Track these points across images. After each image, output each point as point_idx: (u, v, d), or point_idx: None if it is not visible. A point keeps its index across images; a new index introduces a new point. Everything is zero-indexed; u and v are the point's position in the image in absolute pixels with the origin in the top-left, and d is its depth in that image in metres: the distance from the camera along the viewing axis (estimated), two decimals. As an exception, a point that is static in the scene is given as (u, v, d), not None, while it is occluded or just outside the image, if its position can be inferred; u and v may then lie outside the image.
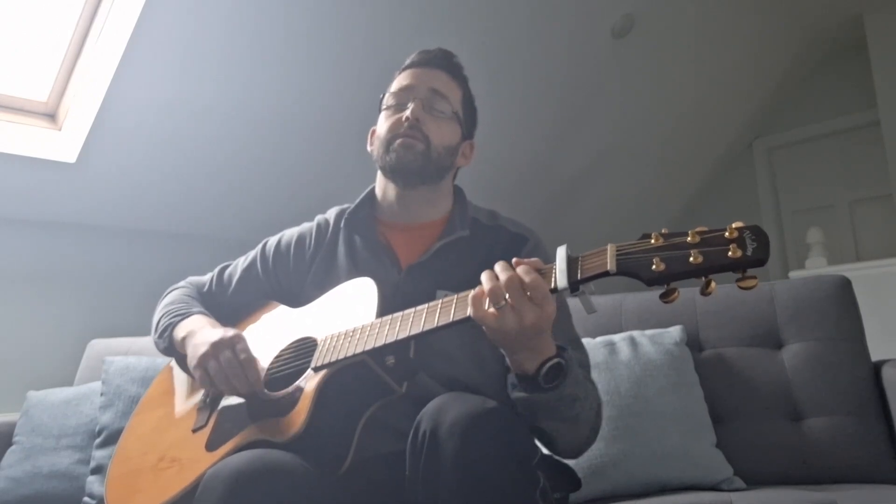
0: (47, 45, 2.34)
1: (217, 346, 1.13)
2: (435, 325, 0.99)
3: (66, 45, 2.33)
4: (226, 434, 1.12)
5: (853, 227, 4.49)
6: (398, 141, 1.25)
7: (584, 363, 1.20)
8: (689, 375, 1.58)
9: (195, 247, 2.78)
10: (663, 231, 0.87)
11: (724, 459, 1.50)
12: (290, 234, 1.38)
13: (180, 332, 1.25)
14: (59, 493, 1.74)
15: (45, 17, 2.31)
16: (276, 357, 1.20)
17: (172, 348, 1.29)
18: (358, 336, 1.06)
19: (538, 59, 3.20)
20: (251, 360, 1.13)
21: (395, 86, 1.31)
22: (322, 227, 1.36)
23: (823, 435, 1.52)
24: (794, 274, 3.76)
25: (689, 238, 0.85)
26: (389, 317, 1.05)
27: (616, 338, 1.65)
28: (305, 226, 1.38)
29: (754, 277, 0.82)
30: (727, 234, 0.83)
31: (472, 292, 0.98)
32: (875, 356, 1.62)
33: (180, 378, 1.34)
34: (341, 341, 1.08)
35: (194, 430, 1.18)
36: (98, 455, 1.76)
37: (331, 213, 1.38)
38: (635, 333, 1.65)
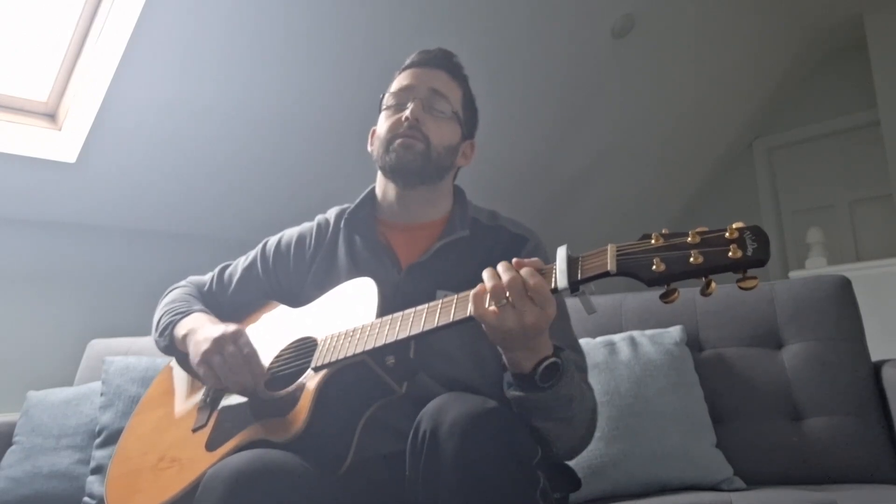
0: (47, 45, 2.34)
1: (219, 342, 1.13)
2: (435, 325, 0.99)
3: (66, 45, 2.33)
4: (226, 434, 1.12)
5: (853, 227, 4.49)
6: (398, 141, 1.25)
7: (581, 366, 1.20)
8: (689, 375, 1.58)
9: (195, 247, 2.78)
10: (663, 231, 0.87)
11: (724, 459, 1.50)
12: (291, 233, 1.38)
13: (181, 329, 1.26)
14: (59, 493, 1.74)
15: (45, 17, 2.31)
16: (277, 357, 1.20)
17: (173, 346, 1.29)
18: (358, 336, 1.06)
19: (538, 59, 3.20)
20: (254, 354, 1.14)
21: (395, 86, 1.32)
22: (322, 227, 1.36)
23: (823, 435, 1.52)
24: (794, 274, 3.76)
25: (689, 238, 0.85)
26: (389, 317, 1.05)
27: (616, 338, 1.65)
28: (306, 226, 1.38)
29: (755, 278, 0.82)
30: (727, 234, 0.83)
31: (473, 291, 0.98)
32: (875, 356, 1.62)
33: (180, 378, 1.34)
34: (341, 341, 1.08)
35: (194, 430, 1.18)
36: (98, 455, 1.76)
37: (331, 213, 1.38)
38: (635, 333, 1.65)
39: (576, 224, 4.11)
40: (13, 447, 1.83)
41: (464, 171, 1.38)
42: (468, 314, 0.97)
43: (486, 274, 0.97)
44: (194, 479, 1.07)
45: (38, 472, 1.76)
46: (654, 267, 0.84)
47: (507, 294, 0.93)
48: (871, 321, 1.80)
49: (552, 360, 0.99)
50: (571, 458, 1.16)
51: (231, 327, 1.15)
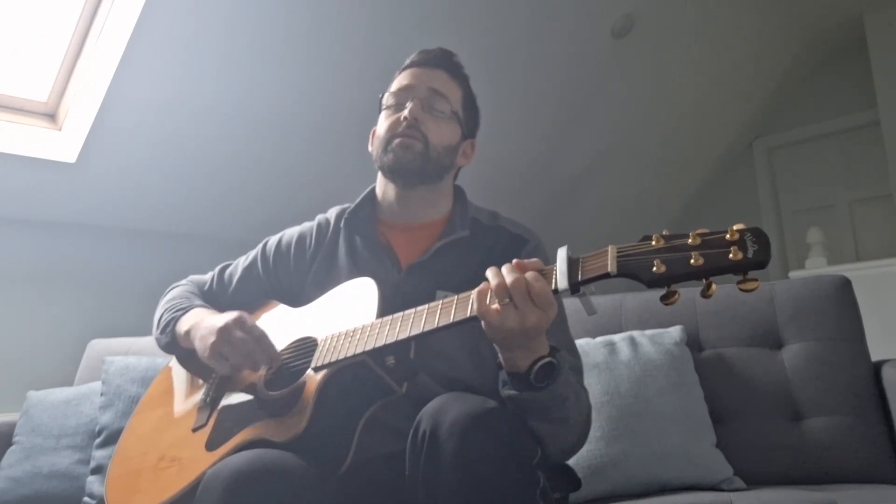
0: (47, 45, 2.34)
1: (225, 331, 1.14)
2: (435, 325, 0.99)
3: (66, 45, 2.33)
4: (226, 433, 1.12)
5: (853, 227, 4.49)
6: (396, 141, 1.25)
7: (577, 368, 1.20)
8: (689, 375, 1.58)
9: (195, 247, 2.78)
10: (664, 233, 0.87)
11: (724, 459, 1.50)
12: (291, 233, 1.38)
13: (183, 326, 1.27)
14: (59, 493, 1.74)
15: (45, 17, 2.31)
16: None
17: (175, 343, 1.30)
18: (358, 336, 1.06)
19: (538, 59, 3.20)
20: (263, 334, 1.15)
21: (394, 86, 1.32)
22: (322, 227, 1.36)
23: (823, 435, 1.52)
24: (794, 274, 3.76)
25: (689, 240, 0.85)
26: (390, 317, 1.05)
27: (616, 338, 1.65)
28: (306, 225, 1.38)
29: (755, 280, 0.82)
30: (728, 236, 0.83)
31: (473, 292, 0.98)
32: (875, 356, 1.62)
33: (180, 377, 1.34)
34: (341, 341, 1.08)
35: (194, 430, 1.18)
36: (98, 455, 1.76)
37: (331, 213, 1.38)
38: (635, 333, 1.66)
39: (576, 224, 4.11)
40: (13, 447, 1.83)
41: (464, 171, 1.38)
42: (468, 315, 0.97)
43: (490, 272, 0.97)
44: (194, 478, 1.07)
45: (38, 472, 1.76)
46: (654, 268, 0.84)
47: (511, 295, 0.93)
48: (871, 321, 1.80)
49: (548, 359, 0.99)
50: (565, 459, 1.16)
51: (232, 314, 1.17)
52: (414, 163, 1.24)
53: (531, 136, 3.55)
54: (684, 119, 4.17)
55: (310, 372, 1.10)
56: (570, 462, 1.21)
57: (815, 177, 4.64)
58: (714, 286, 0.84)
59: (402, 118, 1.25)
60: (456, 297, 1.00)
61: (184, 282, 1.43)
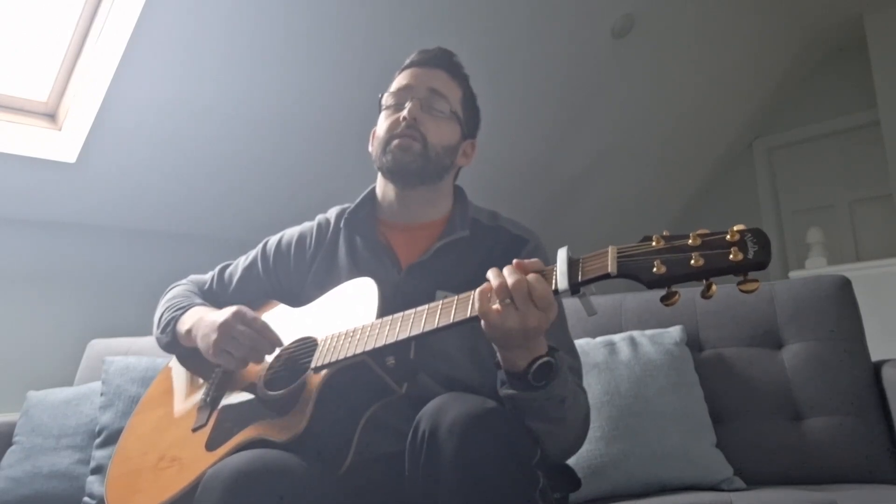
0: (47, 45, 2.34)
1: (226, 326, 1.15)
2: (435, 325, 0.99)
3: (66, 45, 2.33)
4: (226, 433, 1.12)
5: (853, 227, 4.49)
6: (395, 142, 1.25)
7: (576, 369, 1.20)
8: (689, 375, 1.58)
9: (195, 247, 2.78)
10: (664, 233, 0.87)
11: (724, 459, 1.50)
12: (291, 233, 1.38)
13: (183, 325, 1.27)
14: (59, 493, 1.74)
15: (45, 17, 2.31)
16: (277, 356, 1.20)
17: (176, 342, 1.30)
18: (358, 336, 1.06)
19: (538, 59, 3.20)
20: (264, 324, 1.17)
21: (394, 86, 1.32)
22: (323, 227, 1.36)
23: (823, 435, 1.52)
24: (794, 274, 3.76)
25: (690, 241, 0.85)
26: (390, 317, 1.05)
27: (616, 338, 1.65)
28: (306, 225, 1.38)
29: (756, 281, 0.82)
30: (728, 236, 0.83)
31: (473, 292, 0.98)
32: (875, 356, 1.62)
33: (180, 377, 1.34)
34: (341, 341, 1.08)
35: (194, 430, 1.19)
36: (98, 455, 1.76)
37: (331, 213, 1.38)
38: (635, 333, 1.66)
39: (576, 224, 4.11)
40: (13, 447, 1.83)
41: (464, 171, 1.38)
42: (468, 315, 0.97)
43: (491, 273, 0.97)
44: (194, 478, 1.07)
45: (38, 472, 1.76)
46: (654, 269, 0.84)
47: (511, 296, 0.93)
48: (871, 321, 1.80)
49: (546, 359, 0.99)
50: (563, 460, 1.16)
51: (231, 309, 1.17)
52: (413, 164, 1.24)
53: (531, 136, 3.55)
54: (684, 119, 4.17)
55: (310, 372, 1.10)
56: (570, 462, 1.21)
57: (815, 177, 4.64)
58: (714, 287, 0.84)
59: (401, 118, 1.25)
60: (456, 297, 1.00)
61: (184, 281, 1.43)
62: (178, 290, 1.39)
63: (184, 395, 1.30)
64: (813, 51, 4.45)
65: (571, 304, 1.17)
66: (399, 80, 1.31)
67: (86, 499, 1.72)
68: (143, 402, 1.37)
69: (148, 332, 1.46)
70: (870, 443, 1.50)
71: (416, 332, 1.01)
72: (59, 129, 2.36)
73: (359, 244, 1.30)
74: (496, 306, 0.94)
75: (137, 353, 1.99)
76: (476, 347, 1.17)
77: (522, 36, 3.05)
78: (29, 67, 2.36)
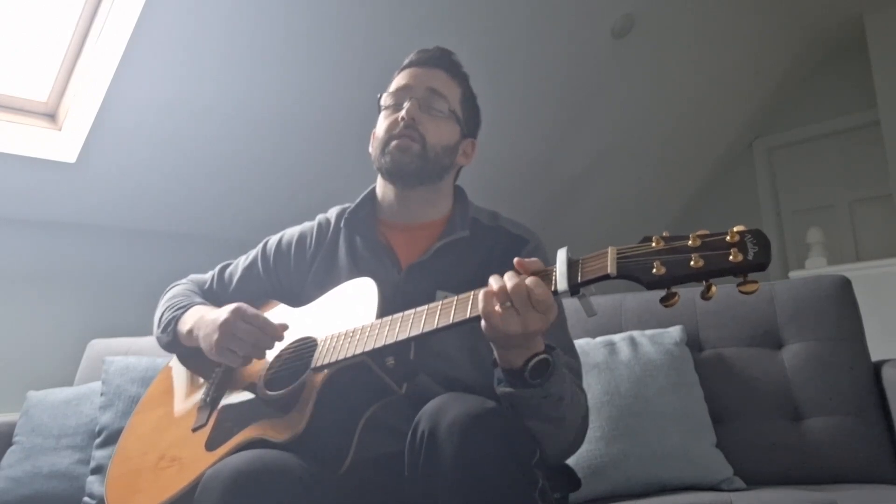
0: (47, 45, 2.34)
1: (228, 325, 1.15)
2: (435, 326, 0.99)
3: (66, 45, 2.33)
4: (226, 433, 1.12)
5: (853, 227, 4.49)
6: (393, 143, 1.25)
7: (575, 369, 1.19)
8: (689, 375, 1.58)
9: (195, 247, 2.78)
10: (664, 234, 0.87)
11: (724, 459, 1.50)
12: (291, 233, 1.38)
13: (184, 325, 1.27)
14: (59, 493, 1.74)
15: (45, 17, 2.31)
16: (277, 356, 1.20)
17: (177, 342, 1.30)
18: (358, 336, 1.06)
19: (538, 59, 3.20)
20: (265, 320, 1.16)
21: (392, 86, 1.31)
22: (323, 227, 1.36)
23: (823, 435, 1.52)
24: (794, 274, 3.76)
25: (689, 242, 0.85)
26: (389, 318, 1.05)
27: (616, 338, 1.65)
28: (306, 225, 1.38)
29: (755, 282, 0.82)
30: (728, 237, 0.83)
31: (473, 293, 0.98)
32: (875, 356, 1.62)
33: (180, 377, 1.34)
34: (341, 342, 1.08)
35: (194, 430, 1.19)
36: (98, 455, 1.76)
37: (332, 213, 1.38)
38: (635, 333, 1.66)
39: (576, 224, 4.11)
40: (13, 447, 1.83)
41: (464, 170, 1.38)
42: (468, 315, 0.97)
43: (492, 279, 0.97)
44: (194, 478, 1.07)
45: (38, 472, 1.76)
46: (654, 270, 0.84)
47: (511, 299, 0.94)
48: (871, 321, 1.80)
49: (543, 356, 0.99)
50: (561, 460, 1.16)
51: (231, 306, 1.17)
52: (411, 164, 1.24)
53: (531, 136, 3.55)
54: (684, 119, 4.17)
55: (310, 372, 1.10)
56: (570, 462, 1.21)
57: (815, 177, 4.64)
58: (714, 288, 0.84)
59: (399, 118, 1.25)
60: (456, 297, 1.00)
61: (184, 281, 1.43)
62: (178, 290, 1.39)
63: (184, 394, 1.30)
64: (813, 51, 4.45)
65: (571, 304, 1.17)
66: (398, 81, 1.31)
67: (86, 499, 1.72)
68: (143, 402, 1.37)
69: (148, 332, 1.46)
70: (870, 443, 1.50)
71: (415, 332, 1.01)
72: (59, 129, 2.36)
73: (359, 244, 1.30)
74: (498, 308, 0.95)
75: (137, 353, 1.99)
76: (476, 348, 1.17)
77: (522, 36, 3.05)
78: (29, 67, 2.36)
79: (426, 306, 1.02)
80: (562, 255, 0.94)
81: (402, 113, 1.25)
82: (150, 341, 1.44)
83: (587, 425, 1.16)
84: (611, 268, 0.87)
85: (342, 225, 1.34)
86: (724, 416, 1.59)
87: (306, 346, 1.16)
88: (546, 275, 0.95)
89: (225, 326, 1.15)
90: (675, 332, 1.64)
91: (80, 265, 2.55)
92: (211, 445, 1.13)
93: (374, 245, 1.29)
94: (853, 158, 4.49)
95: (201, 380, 1.29)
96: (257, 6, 2.34)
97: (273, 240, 1.39)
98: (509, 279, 0.95)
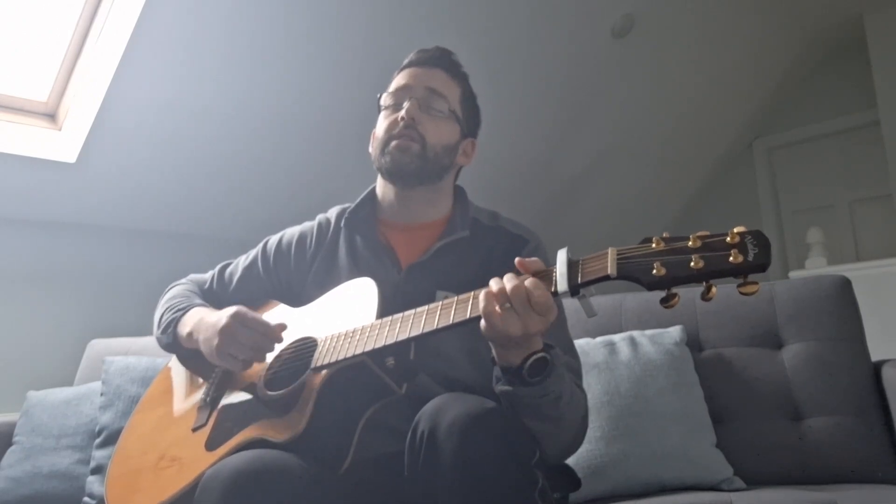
0: (47, 45, 2.34)
1: (228, 330, 1.15)
2: (435, 326, 0.99)
3: (66, 45, 2.33)
4: (226, 433, 1.12)
5: (853, 227, 4.49)
6: (393, 143, 1.25)
7: (575, 369, 1.19)
8: (689, 375, 1.58)
9: (195, 247, 2.78)
10: (664, 235, 0.87)
11: (724, 459, 1.50)
12: (292, 232, 1.38)
13: (184, 328, 1.26)
14: (59, 493, 1.74)
15: (45, 17, 2.31)
16: (277, 356, 1.20)
17: (177, 343, 1.30)
18: (358, 337, 1.06)
19: (538, 59, 3.20)
20: (265, 324, 1.16)
21: (392, 86, 1.31)
22: (323, 227, 1.36)
23: (823, 435, 1.52)
24: (794, 274, 3.76)
25: (690, 243, 0.85)
26: (389, 318, 1.05)
27: (616, 338, 1.65)
28: (307, 225, 1.38)
29: (756, 283, 0.82)
30: (728, 238, 0.83)
31: (473, 293, 0.98)
32: (875, 356, 1.63)
33: (180, 377, 1.34)
34: (341, 342, 1.08)
35: (194, 429, 1.19)
36: (98, 455, 1.76)
37: (332, 213, 1.38)
38: (635, 333, 1.66)
39: (576, 224, 4.11)
40: (13, 447, 1.83)
41: (464, 170, 1.38)
42: (468, 316, 0.97)
43: (492, 281, 0.97)
44: (194, 478, 1.07)
45: (38, 472, 1.76)
46: (654, 271, 0.84)
47: (511, 301, 0.94)
48: (871, 321, 1.80)
49: (541, 354, 0.99)
50: (560, 460, 1.16)
51: (230, 310, 1.17)
52: (411, 164, 1.24)
53: (531, 136, 3.55)
54: (684, 119, 4.17)
55: (310, 372, 1.10)
56: (570, 462, 1.21)
57: (815, 177, 4.64)
58: (714, 289, 0.84)
59: (399, 118, 1.25)
60: (456, 298, 1.00)
61: (183, 281, 1.43)
62: (177, 290, 1.38)
63: (184, 394, 1.30)
64: (813, 51, 4.45)
65: (571, 304, 1.17)
66: (397, 80, 1.31)
67: (86, 499, 1.72)
68: (143, 402, 1.37)
69: (148, 332, 1.46)
70: (870, 443, 1.50)
71: (415, 332, 1.01)
72: (59, 129, 2.36)
73: (359, 244, 1.30)
74: (499, 308, 0.95)
75: (137, 353, 1.99)
76: (476, 348, 1.17)
77: (522, 36, 3.05)
78: (29, 67, 2.36)
79: (426, 307, 1.02)
80: (562, 256, 0.94)
81: (402, 113, 1.25)
82: (150, 341, 1.44)
83: (587, 425, 1.16)
84: (611, 269, 0.87)
85: (342, 225, 1.34)
86: (724, 416, 1.59)
87: (306, 347, 1.16)
88: (546, 275, 0.95)
89: (225, 331, 1.15)
90: (675, 332, 1.64)
91: (80, 265, 2.55)
92: (211, 445, 1.13)
93: (375, 245, 1.29)
94: (853, 158, 4.49)
95: (201, 380, 1.29)
96: (257, 6, 2.34)
97: (273, 239, 1.39)
98: (508, 281, 0.95)
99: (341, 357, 1.06)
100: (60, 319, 2.49)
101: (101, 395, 1.84)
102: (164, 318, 1.32)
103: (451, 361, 1.17)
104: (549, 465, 1.12)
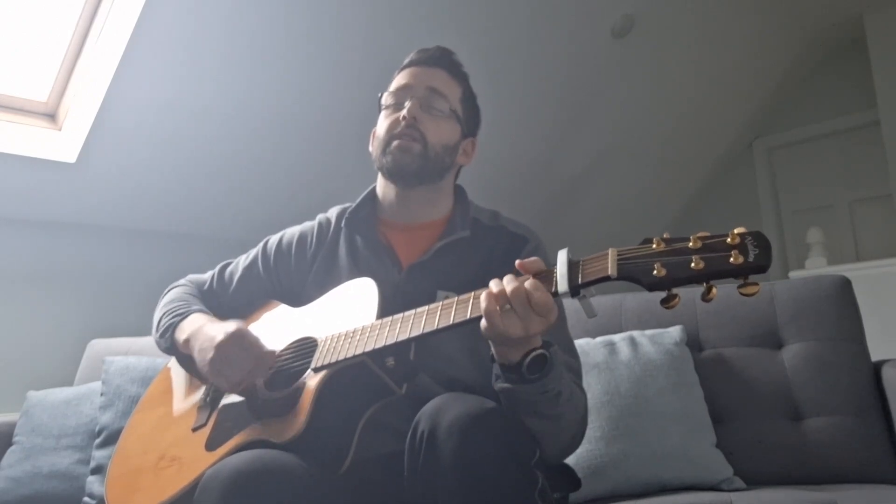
0: (47, 45, 2.34)
1: (223, 347, 1.12)
2: (435, 326, 0.99)
3: (66, 45, 2.33)
4: (226, 433, 1.12)
5: (853, 227, 4.49)
6: (394, 143, 1.25)
7: (575, 369, 1.19)
8: (689, 375, 1.58)
9: (195, 247, 2.78)
10: (665, 236, 0.87)
11: (724, 459, 1.50)
12: (292, 232, 1.38)
13: (181, 334, 1.25)
14: (59, 493, 1.74)
15: (45, 17, 2.31)
16: (277, 356, 1.20)
17: (175, 348, 1.29)
18: (358, 337, 1.06)
19: (538, 59, 3.20)
20: (262, 351, 1.14)
21: (393, 85, 1.31)
22: (323, 227, 1.36)
23: (823, 435, 1.52)
24: (794, 274, 3.77)
25: (690, 243, 0.85)
26: (390, 318, 1.05)
27: (616, 338, 1.65)
28: (307, 225, 1.38)
29: (756, 284, 0.82)
30: (729, 239, 0.83)
31: (474, 294, 0.98)
32: (875, 356, 1.63)
33: (180, 377, 1.34)
34: (342, 342, 1.08)
35: (194, 429, 1.19)
36: (98, 455, 1.76)
37: (332, 213, 1.38)
38: (635, 333, 1.66)
39: (576, 224, 4.11)
40: (13, 447, 1.83)
41: (464, 170, 1.38)
42: (468, 316, 0.97)
43: (492, 283, 0.97)
44: (194, 478, 1.07)
45: (38, 472, 1.76)
46: (654, 272, 0.84)
47: (511, 302, 0.94)
48: (871, 321, 1.80)
49: (540, 351, 0.99)
50: (559, 460, 1.16)
51: (231, 327, 1.15)
52: (413, 164, 1.24)
53: (531, 136, 3.55)
54: (684, 119, 4.17)
55: (310, 372, 1.10)
56: (570, 462, 1.22)
57: (815, 177, 4.64)
58: (714, 290, 0.84)
59: (400, 118, 1.25)
60: (456, 298, 1.00)
61: (182, 282, 1.42)
62: (176, 294, 1.37)
63: (184, 394, 1.30)
64: (813, 51, 4.45)
65: (571, 304, 1.17)
66: (398, 80, 1.31)
67: (86, 499, 1.72)
68: (143, 402, 1.37)
69: (148, 332, 1.46)
70: (870, 443, 1.51)
71: (415, 333, 1.01)
72: (59, 129, 2.36)
73: (359, 244, 1.30)
74: (499, 309, 0.95)
75: (137, 353, 1.99)
76: (476, 348, 1.17)
77: (522, 36, 3.05)
78: (29, 67, 2.36)
79: (426, 307, 1.02)
80: (562, 257, 0.94)
81: (404, 112, 1.25)
82: (149, 341, 1.44)
83: (586, 425, 1.16)
84: (611, 269, 0.87)
85: (343, 225, 1.33)
86: (724, 416, 1.59)
87: (306, 347, 1.16)
88: (547, 276, 0.95)
89: (221, 347, 1.12)
90: (675, 333, 1.64)
91: (80, 265, 2.55)
92: (211, 445, 1.13)
93: (375, 245, 1.29)
94: (853, 158, 4.49)
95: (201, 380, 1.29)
96: (257, 6, 2.34)
97: (273, 239, 1.39)
98: (508, 283, 0.95)
99: (341, 357, 1.06)
100: (60, 319, 2.49)
101: (101, 395, 1.84)
102: (163, 322, 1.31)
103: (452, 361, 1.17)
104: (549, 465, 1.12)
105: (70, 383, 2.08)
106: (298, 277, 1.32)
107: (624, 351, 1.61)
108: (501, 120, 3.18)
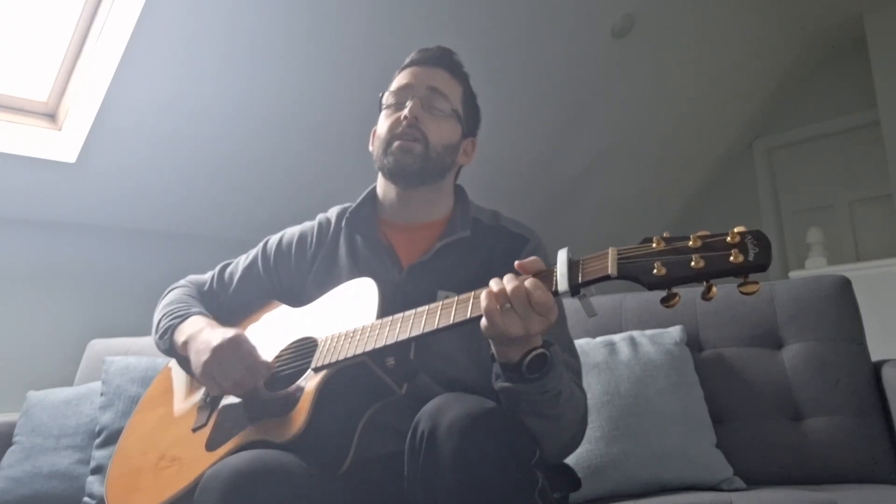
0: (47, 45, 2.34)
1: (218, 352, 1.13)
2: (435, 326, 0.99)
3: (66, 45, 2.33)
4: (226, 434, 1.12)
5: (853, 227, 4.49)
6: (396, 144, 1.25)
7: (575, 369, 1.19)
8: (689, 375, 1.58)
9: (195, 247, 2.78)
10: (665, 235, 0.87)
11: (724, 459, 1.50)
12: (292, 232, 1.38)
13: (180, 336, 1.25)
14: (59, 493, 1.74)
15: (45, 17, 2.31)
16: (277, 357, 1.20)
17: (174, 350, 1.29)
18: (358, 337, 1.06)
19: (538, 59, 3.20)
20: (256, 362, 1.14)
21: (394, 85, 1.31)
22: (324, 226, 1.36)
23: (823, 435, 1.52)
24: (794, 274, 3.76)
25: (690, 242, 0.85)
26: (390, 318, 1.05)
27: (616, 338, 1.65)
28: (307, 225, 1.38)
29: (756, 283, 0.82)
30: (729, 238, 0.83)
31: (474, 293, 0.98)
32: (875, 356, 1.63)
33: (180, 377, 1.34)
34: (342, 342, 1.08)
35: (194, 430, 1.19)
36: (98, 455, 1.76)
37: (332, 213, 1.38)
38: (635, 333, 1.66)
39: (576, 224, 4.11)
40: (13, 447, 1.83)
41: (464, 170, 1.38)
42: (468, 316, 0.97)
43: (492, 282, 0.97)
44: (194, 478, 1.07)
45: (38, 472, 1.76)
46: (654, 271, 0.84)
47: (511, 302, 0.94)
48: (871, 321, 1.80)
49: (540, 350, 0.99)
50: (559, 459, 1.16)
51: (229, 333, 1.15)
52: (414, 165, 1.24)
53: (531, 136, 3.55)
54: (684, 119, 4.17)
55: (310, 372, 1.10)
56: (570, 462, 1.22)
57: (815, 177, 4.64)
58: (714, 289, 0.84)
59: (401, 118, 1.25)
60: (456, 297, 1.00)
61: (182, 282, 1.42)
62: (175, 295, 1.37)
63: (184, 394, 1.30)
64: (813, 51, 4.45)
65: (571, 304, 1.17)
66: (399, 79, 1.31)
67: (86, 499, 1.72)
68: (143, 402, 1.37)
69: (148, 332, 1.46)
70: (870, 443, 1.51)
71: (416, 332, 1.01)
72: (59, 129, 2.36)
73: (360, 244, 1.30)
74: (500, 307, 0.95)
75: (137, 353, 1.99)
76: (476, 348, 1.17)
77: (522, 36, 3.05)
78: (29, 67, 2.36)
79: (426, 306, 1.02)
80: (562, 256, 0.94)
81: (405, 112, 1.25)
82: (149, 341, 1.44)
83: (586, 424, 1.16)
84: (611, 269, 0.87)
85: (343, 224, 1.33)
86: (724, 416, 1.59)
87: (306, 347, 1.16)
88: (547, 275, 0.95)
89: (217, 353, 1.12)
90: (675, 332, 1.64)
91: (80, 265, 2.55)
92: (211, 445, 1.13)
93: (375, 245, 1.29)
94: (853, 158, 4.49)
95: (201, 381, 1.29)
96: (257, 6, 2.34)
97: (273, 239, 1.39)
98: (509, 282, 0.95)
99: (341, 357, 1.06)
100: (60, 319, 2.49)
101: (101, 395, 1.84)
102: (162, 323, 1.31)
103: (452, 361, 1.17)
104: (549, 465, 1.12)
105: (70, 383, 2.08)
106: (298, 277, 1.32)
107: (624, 351, 1.61)
108: (501, 120, 3.18)
